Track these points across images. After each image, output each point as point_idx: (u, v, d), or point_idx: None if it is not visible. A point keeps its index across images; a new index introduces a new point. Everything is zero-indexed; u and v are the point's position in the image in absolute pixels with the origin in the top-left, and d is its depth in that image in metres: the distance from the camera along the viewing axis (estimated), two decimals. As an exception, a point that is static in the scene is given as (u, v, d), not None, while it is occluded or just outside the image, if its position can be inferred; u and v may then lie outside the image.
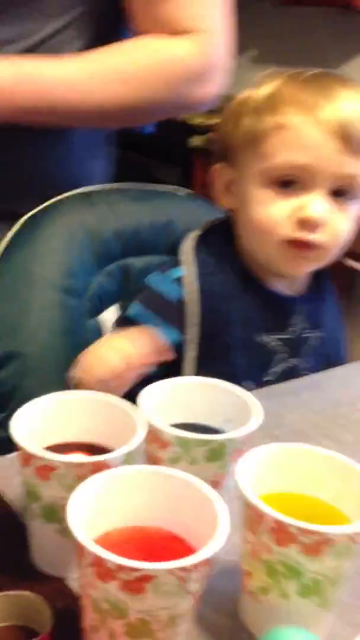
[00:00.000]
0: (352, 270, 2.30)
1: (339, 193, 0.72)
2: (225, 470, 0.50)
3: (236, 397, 0.54)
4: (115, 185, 0.95)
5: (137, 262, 0.91)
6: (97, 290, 0.88)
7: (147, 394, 0.52)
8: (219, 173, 0.79)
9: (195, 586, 0.38)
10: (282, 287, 0.81)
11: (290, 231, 0.72)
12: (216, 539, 0.38)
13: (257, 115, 0.72)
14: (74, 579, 0.48)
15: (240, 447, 0.49)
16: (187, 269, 0.78)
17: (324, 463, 0.47)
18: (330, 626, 0.45)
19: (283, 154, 0.71)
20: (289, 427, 0.71)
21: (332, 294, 0.87)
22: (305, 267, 0.78)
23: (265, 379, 0.79)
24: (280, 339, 0.80)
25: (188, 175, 2.23)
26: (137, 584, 0.36)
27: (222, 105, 0.85)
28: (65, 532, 0.46)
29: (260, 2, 2.63)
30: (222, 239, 0.80)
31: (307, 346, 0.82)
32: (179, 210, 0.95)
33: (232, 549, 0.48)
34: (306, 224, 0.71)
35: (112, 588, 0.37)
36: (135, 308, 0.79)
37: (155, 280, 0.79)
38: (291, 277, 0.80)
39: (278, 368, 0.80)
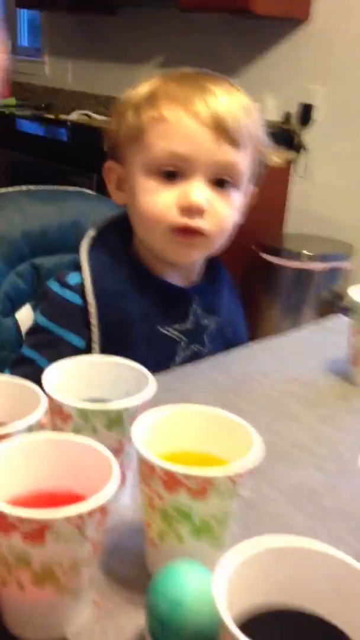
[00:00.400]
0: (269, 264, 2.40)
1: (221, 183, 0.77)
2: (125, 438, 0.54)
3: (136, 373, 0.58)
4: (23, 187, 0.98)
5: (46, 261, 0.94)
6: (9, 289, 0.91)
7: (51, 372, 0.56)
8: (110, 170, 0.84)
9: (92, 533, 0.42)
10: (178, 279, 0.85)
11: (175, 218, 0.77)
12: (108, 487, 0.42)
13: (138, 111, 0.77)
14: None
15: (137, 414, 0.53)
16: (83, 272, 0.81)
17: (211, 420, 0.52)
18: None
19: (162, 144, 0.76)
20: (195, 403, 0.76)
21: (227, 281, 0.93)
22: (193, 254, 0.82)
23: (171, 367, 0.84)
24: (180, 329, 0.84)
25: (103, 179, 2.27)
26: (38, 533, 0.40)
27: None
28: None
29: (164, 9, 2.71)
30: (118, 236, 0.84)
31: (206, 333, 0.87)
32: (86, 209, 0.99)
33: (138, 509, 0.53)
34: (189, 210, 0.76)
35: (15, 541, 0.41)
36: (39, 318, 0.82)
37: (54, 287, 0.83)
38: (184, 267, 0.85)
39: (181, 357, 0.85)
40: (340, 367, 0.85)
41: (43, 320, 0.82)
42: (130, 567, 0.51)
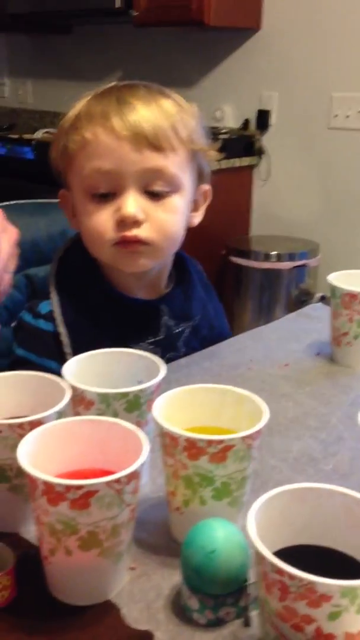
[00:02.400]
0: (239, 267, 2.47)
1: (155, 192, 0.79)
2: (144, 419, 0.59)
3: (146, 361, 0.64)
4: (12, 202, 1.03)
5: (39, 271, 0.99)
6: (6, 300, 0.95)
7: (70, 366, 0.61)
8: (63, 198, 0.87)
9: (129, 497, 0.47)
10: (146, 292, 0.88)
11: (114, 234, 0.79)
12: (140, 455, 0.48)
13: (66, 137, 0.80)
14: (28, 531, 0.56)
15: (152, 397, 0.59)
16: (52, 300, 0.85)
17: (221, 396, 0.58)
18: (242, 521, 0.55)
19: (89, 165, 0.78)
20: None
21: (199, 279, 0.96)
22: (141, 262, 0.82)
23: None
24: (153, 342, 0.87)
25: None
26: (83, 500, 0.45)
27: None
28: (15, 489, 0.55)
29: (120, 25, 2.77)
30: (82, 257, 0.86)
31: (180, 339, 0.91)
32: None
33: (158, 488, 0.58)
34: (123, 222, 0.78)
35: (63, 509, 0.46)
36: (18, 350, 0.85)
37: (28, 318, 0.86)
38: (147, 278, 0.86)
39: None
40: (322, 349, 0.92)
41: (22, 352, 0.84)
42: (157, 536, 0.56)
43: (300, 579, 0.35)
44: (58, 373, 0.62)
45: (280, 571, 0.36)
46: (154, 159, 0.78)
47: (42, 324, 0.85)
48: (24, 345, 0.85)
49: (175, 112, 0.80)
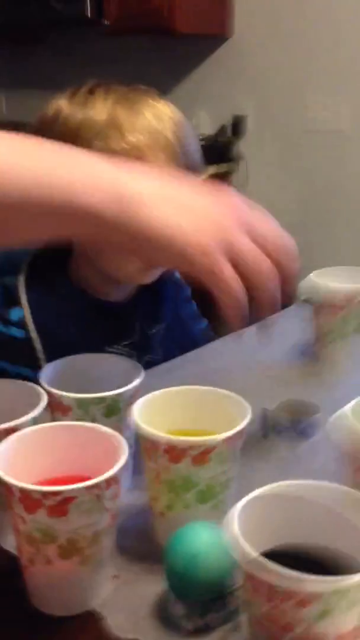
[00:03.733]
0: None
1: None
2: (123, 424, 0.58)
3: (127, 365, 0.63)
4: None
5: (13, 280, 0.97)
6: None
7: (46, 371, 0.59)
8: None
9: (110, 503, 0.46)
10: (116, 297, 0.87)
11: None
12: (119, 459, 0.46)
13: (106, 140, 0.77)
14: (7, 541, 0.54)
15: (131, 402, 0.57)
16: (23, 306, 0.83)
17: (202, 397, 0.56)
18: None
19: None
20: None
21: (166, 284, 0.93)
22: (155, 273, 0.84)
23: None
24: (128, 344, 0.86)
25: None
26: (61, 507, 0.44)
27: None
28: (-8, 499, 0.53)
29: (91, 34, 2.77)
30: (54, 261, 0.85)
31: (154, 340, 0.90)
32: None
33: (141, 493, 0.57)
34: None
35: (41, 516, 0.44)
36: None
37: None
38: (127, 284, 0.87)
39: None
40: (306, 349, 0.91)
41: None
42: (141, 542, 0.55)
43: (288, 578, 0.34)
44: (32, 380, 0.60)
45: (266, 572, 0.35)
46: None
47: (14, 331, 0.83)
48: None
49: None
